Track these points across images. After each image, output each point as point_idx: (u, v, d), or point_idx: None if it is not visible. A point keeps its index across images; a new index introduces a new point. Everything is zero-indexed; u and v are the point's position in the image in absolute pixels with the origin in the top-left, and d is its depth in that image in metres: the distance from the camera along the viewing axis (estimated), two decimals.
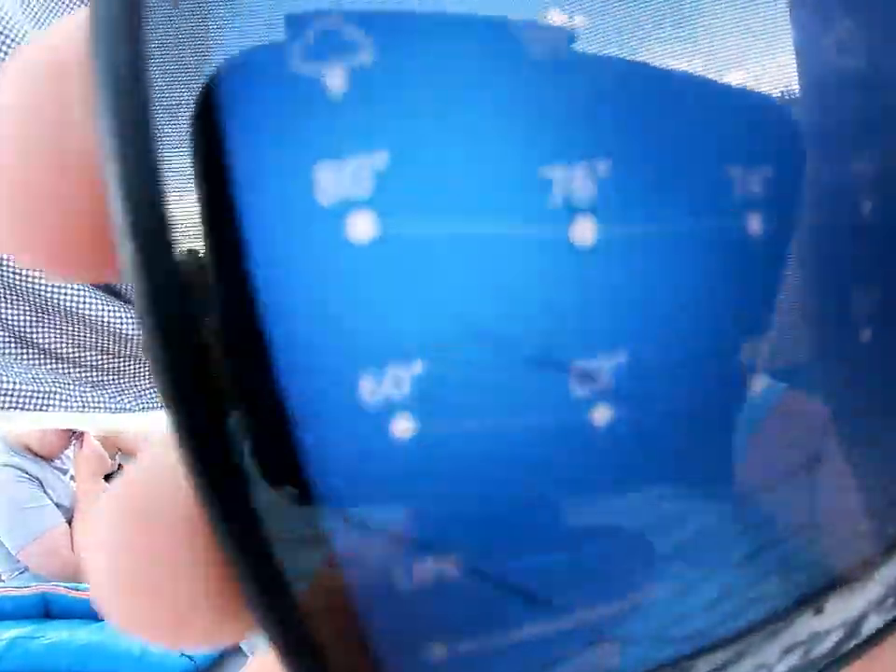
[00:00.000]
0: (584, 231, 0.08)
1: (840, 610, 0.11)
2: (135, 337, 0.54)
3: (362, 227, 0.07)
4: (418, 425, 0.08)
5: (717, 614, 0.10)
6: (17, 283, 0.51)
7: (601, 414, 0.09)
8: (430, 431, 0.08)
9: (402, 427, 0.08)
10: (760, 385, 0.09)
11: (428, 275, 0.08)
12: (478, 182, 0.08)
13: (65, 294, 0.52)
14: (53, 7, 0.54)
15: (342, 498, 0.09)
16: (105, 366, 0.56)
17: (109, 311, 0.53)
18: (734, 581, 0.10)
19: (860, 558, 0.11)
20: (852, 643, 0.11)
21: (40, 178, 0.08)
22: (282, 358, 0.08)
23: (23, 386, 0.50)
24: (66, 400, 0.52)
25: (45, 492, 1.25)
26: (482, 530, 0.09)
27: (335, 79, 0.07)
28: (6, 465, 1.22)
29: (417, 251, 0.08)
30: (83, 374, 0.56)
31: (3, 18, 0.47)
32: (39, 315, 0.54)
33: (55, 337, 0.54)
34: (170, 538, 0.09)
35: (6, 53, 0.47)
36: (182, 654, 1.00)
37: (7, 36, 0.46)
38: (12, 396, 0.49)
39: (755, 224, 0.08)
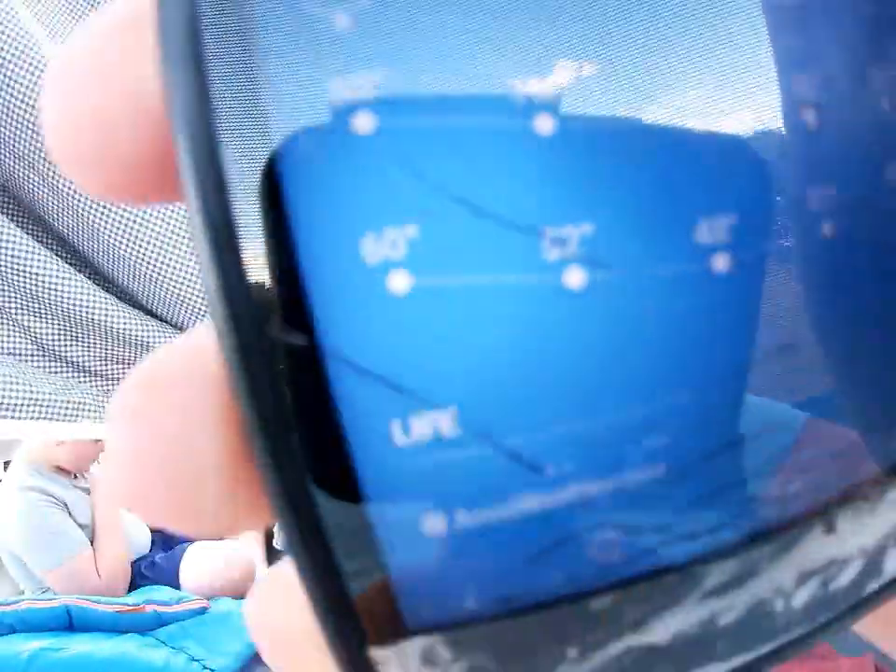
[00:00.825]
0: (575, 279, 0.09)
1: (853, 533, 0.10)
2: None
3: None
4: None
5: (724, 513, 0.10)
6: (46, 297, 0.53)
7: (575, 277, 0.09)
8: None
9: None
10: None
11: (459, 322, 0.09)
12: (487, 243, 0.09)
13: (94, 307, 0.53)
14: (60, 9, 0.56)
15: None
16: None
17: (137, 324, 0.54)
18: (739, 473, 0.10)
19: (864, 476, 0.11)
20: (875, 584, 0.10)
21: (115, 104, 0.09)
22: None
23: (53, 397, 0.51)
24: (96, 411, 0.53)
25: (70, 515, 1.21)
26: (476, 387, 0.09)
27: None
28: (29, 488, 1.18)
29: (447, 301, 0.09)
30: (112, 387, 0.57)
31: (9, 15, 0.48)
32: (68, 328, 0.55)
33: (83, 351, 0.55)
34: (194, 410, 0.09)
35: (10, 53, 0.48)
36: (204, 668, 1.01)
37: (9, 30, 0.47)
38: (42, 406, 0.50)
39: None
